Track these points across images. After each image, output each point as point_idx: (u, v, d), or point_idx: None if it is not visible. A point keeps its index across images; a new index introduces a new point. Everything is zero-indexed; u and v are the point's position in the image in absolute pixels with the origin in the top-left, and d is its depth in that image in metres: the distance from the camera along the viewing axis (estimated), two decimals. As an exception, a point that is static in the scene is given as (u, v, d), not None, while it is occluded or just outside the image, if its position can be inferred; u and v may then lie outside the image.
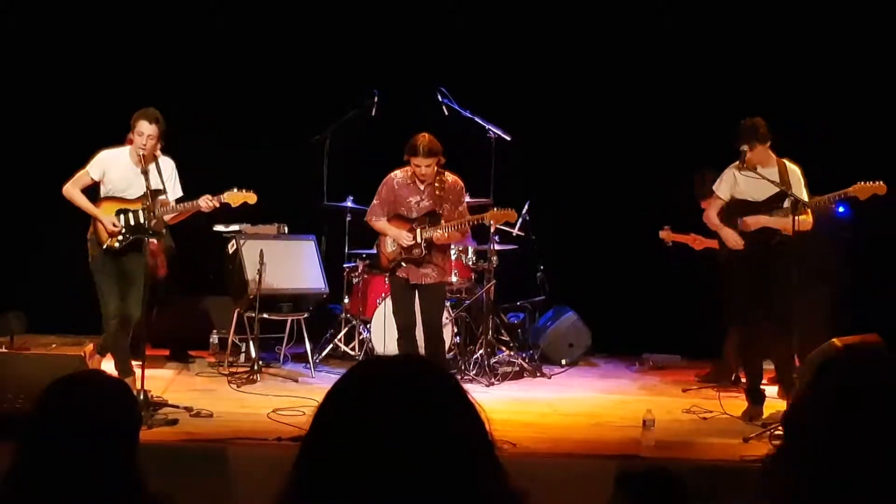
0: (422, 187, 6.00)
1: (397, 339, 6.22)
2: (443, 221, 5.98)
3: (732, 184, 5.94)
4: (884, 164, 7.15)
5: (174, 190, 5.99)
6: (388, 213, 6.09)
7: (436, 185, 5.95)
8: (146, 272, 5.66)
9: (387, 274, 6.38)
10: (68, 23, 8.29)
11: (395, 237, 6.02)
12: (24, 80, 8.24)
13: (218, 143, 7.85)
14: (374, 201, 6.16)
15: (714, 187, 6.06)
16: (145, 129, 5.67)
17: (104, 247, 5.87)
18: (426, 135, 5.88)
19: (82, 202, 5.93)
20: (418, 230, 5.98)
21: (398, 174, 6.07)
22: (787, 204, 5.77)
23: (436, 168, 5.90)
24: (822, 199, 5.81)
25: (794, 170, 5.89)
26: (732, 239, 5.94)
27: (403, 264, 6.03)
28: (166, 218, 5.92)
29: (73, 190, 5.92)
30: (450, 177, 6.03)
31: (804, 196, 5.79)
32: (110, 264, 5.90)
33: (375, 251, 6.45)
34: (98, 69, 8.15)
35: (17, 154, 8.23)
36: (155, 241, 6.13)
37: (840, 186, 5.81)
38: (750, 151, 5.75)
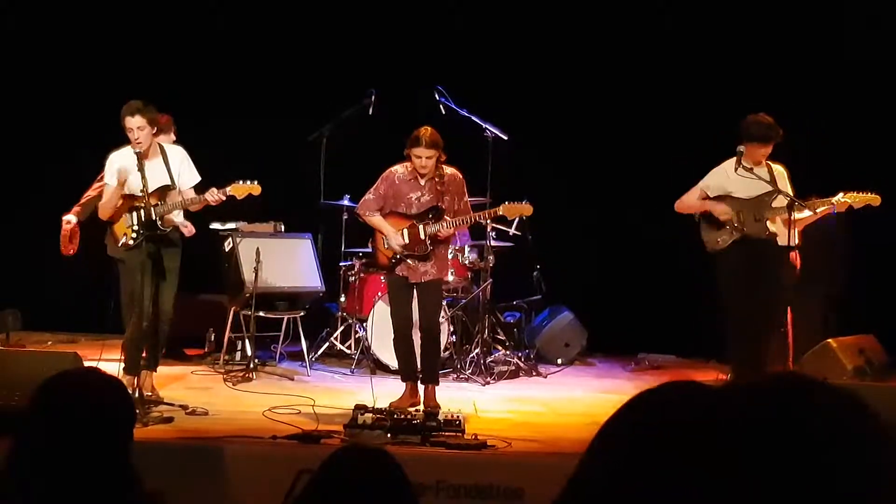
0: (422, 182, 5.86)
1: (393, 340, 6.12)
2: (446, 216, 5.85)
3: (724, 180, 5.99)
4: (876, 167, 7.19)
5: (189, 177, 5.95)
6: (384, 210, 5.95)
7: (436, 179, 5.85)
8: (177, 267, 5.73)
9: (384, 272, 6.29)
10: (68, 21, 8.30)
11: (388, 236, 5.87)
12: (24, 79, 8.24)
13: (215, 140, 7.83)
14: (369, 196, 5.96)
15: (704, 181, 6.11)
16: (130, 124, 5.62)
17: (120, 244, 5.81)
18: (429, 128, 5.80)
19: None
20: (421, 226, 5.84)
21: (398, 169, 5.92)
22: (776, 203, 5.84)
23: (436, 163, 5.80)
24: (815, 204, 5.84)
25: (780, 171, 5.97)
26: (723, 210, 5.99)
27: (409, 261, 5.88)
28: (188, 209, 5.90)
29: (104, 209, 5.89)
30: (448, 169, 5.91)
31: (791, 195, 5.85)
32: (144, 263, 5.68)
33: (371, 249, 6.31)
34: (99, 68, 8.16)
35: (15, 151, 8.23)
36: (72, 220, 6.29)
37: (826, 190, 5.86)
38: (759, 149, 5.81)
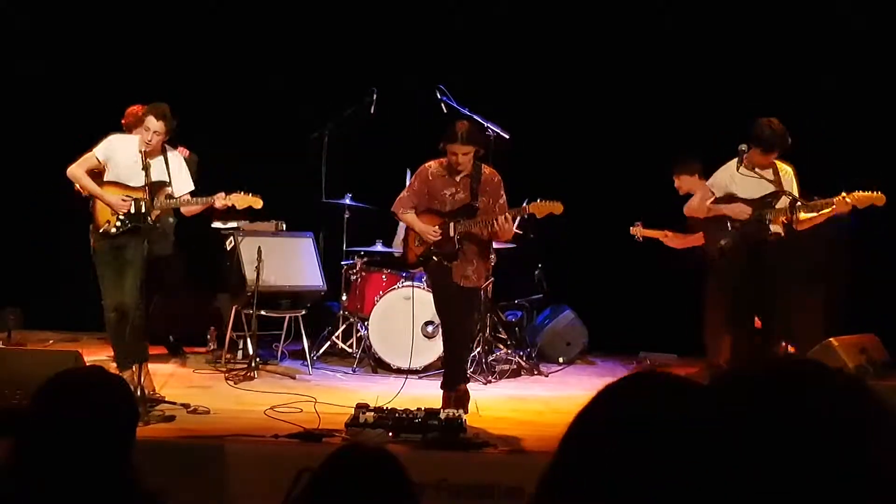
0: (457, 179, 5.64)
1: (444, 342, 5.90)
2: (480, 216, 5.63)
3: (728, 180, 5.97)
4: (875, 166, 7.18)
5: (185, 183, 5.96)
6: (419, 207, 5.73)
7: (471, 176, 5.63)
8: (144, 261, 5.61)
9: (418, 270, 6.04)
10: (69, 18, 8.30)
11: (421, 232, 5.67)
12: (23, 78, 8.25)
13: (217, 140, 7.84)
14: (404, 193, 5.75)
15: (709, 182, 6.08)
16: (151, 125, 5.68)
17: (101, 231, 5.84)
18: (466, 122, 5.64)
19: (86, 183, 5.83)
20: (452, 224, 5.62)
21: (433, 165, 5.70)
22: (780, 204, 5.81)
23: (472, 159, 5.58)
24: (817, 205, 5.82)
25: (786, 170, 5.93)
26: (742, 210, 5.91)
27: (434, 258, 5.69)
28: (184, 210, 5.92)
29: (77, 171, 5.83)
30: (486, 169, 5.70)
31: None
32: (110, 254, 5.84)
33: (401, 246, 5.99)
34: (100, 67, 8.16)
35: (14, 150, 8.23)
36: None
37: (829, 190, 5.84)
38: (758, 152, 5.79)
